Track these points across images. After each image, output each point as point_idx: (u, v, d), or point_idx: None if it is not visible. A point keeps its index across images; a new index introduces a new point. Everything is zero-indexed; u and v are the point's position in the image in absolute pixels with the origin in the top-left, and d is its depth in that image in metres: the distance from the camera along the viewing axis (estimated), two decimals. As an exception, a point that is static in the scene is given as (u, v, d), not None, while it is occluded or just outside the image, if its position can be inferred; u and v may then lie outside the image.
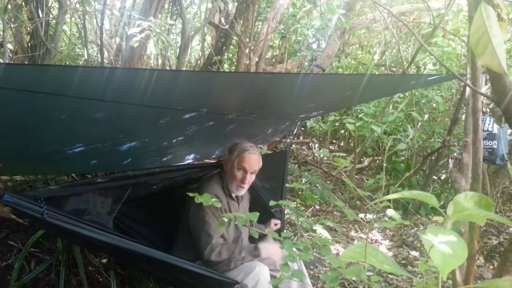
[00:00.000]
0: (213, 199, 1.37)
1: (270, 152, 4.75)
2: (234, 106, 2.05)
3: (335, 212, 4.55)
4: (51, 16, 4.55)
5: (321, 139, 6.67)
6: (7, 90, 1.10)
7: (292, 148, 3.86)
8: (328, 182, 5.26)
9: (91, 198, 1.96)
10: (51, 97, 1.25)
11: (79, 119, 1.53)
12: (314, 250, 1.30)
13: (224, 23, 5.15)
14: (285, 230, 2.72)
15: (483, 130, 2.58)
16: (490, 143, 2.61)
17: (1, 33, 3.99)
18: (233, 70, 6.16)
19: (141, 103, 1.51)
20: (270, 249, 2.12)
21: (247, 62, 5.23)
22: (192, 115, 1.88)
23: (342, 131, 6.98)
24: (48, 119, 1.46)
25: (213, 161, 3.11)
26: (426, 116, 6.04)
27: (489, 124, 2.60)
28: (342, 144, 7.05)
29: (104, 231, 1.60)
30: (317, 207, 4.59)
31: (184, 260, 1.74)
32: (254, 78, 1.95)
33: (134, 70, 2.32)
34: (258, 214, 1.35)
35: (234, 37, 5.40)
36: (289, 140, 3.17)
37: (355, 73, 6.64)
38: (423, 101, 5.77)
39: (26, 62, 4.33)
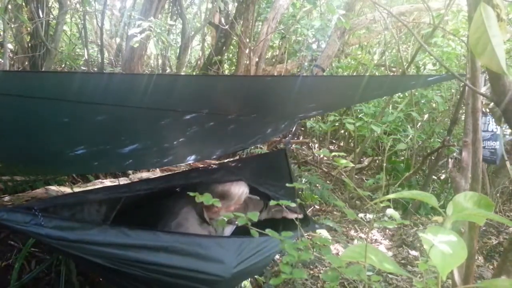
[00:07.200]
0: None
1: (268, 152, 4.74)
2: (234, 106, 2.05)
3: (335, 212, 4.55)
4: (51, 16, 4.55)
5: (321, 139, 6.67)
6: (9, 96, 1.10)
7: (292, 147, 3.84)
8: (328, 182, 5.25)
9: (86, 207, 1.94)
10: (54, 102, 1.24)
11: (81, 122, 1.53)
12: (314, 250, 1.31)
13: (224, 23, 5.16)
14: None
15: (488, 131, 2.55)
16: (494, 143, 2.57)
17: (2, 33, 3.99)
18: (233, 70, 6.16)
19: (142, 105, 1.51)
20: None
21: (247, 62, 5.24)
22: (193, 116, 1.88)
23: (342, 131, 6.98)
24: (51, 123, 1.45)
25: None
26: (426, 116, 6.04)
27: (493, 124, 2.57)
28: (342, 144, 7.04)
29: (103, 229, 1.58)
30: (317, 207, 4.59)
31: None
32: (254, 80, 1.95)
33: (134, 74, 2.32)
34: (257, 213, 1.35)
35: (234, 37, 5.40)
36: (287, 138, 3.15)
37: (355, 73, 6.65)
38: (422, 101, 5.77)
39: (26, 62, 4.34)
